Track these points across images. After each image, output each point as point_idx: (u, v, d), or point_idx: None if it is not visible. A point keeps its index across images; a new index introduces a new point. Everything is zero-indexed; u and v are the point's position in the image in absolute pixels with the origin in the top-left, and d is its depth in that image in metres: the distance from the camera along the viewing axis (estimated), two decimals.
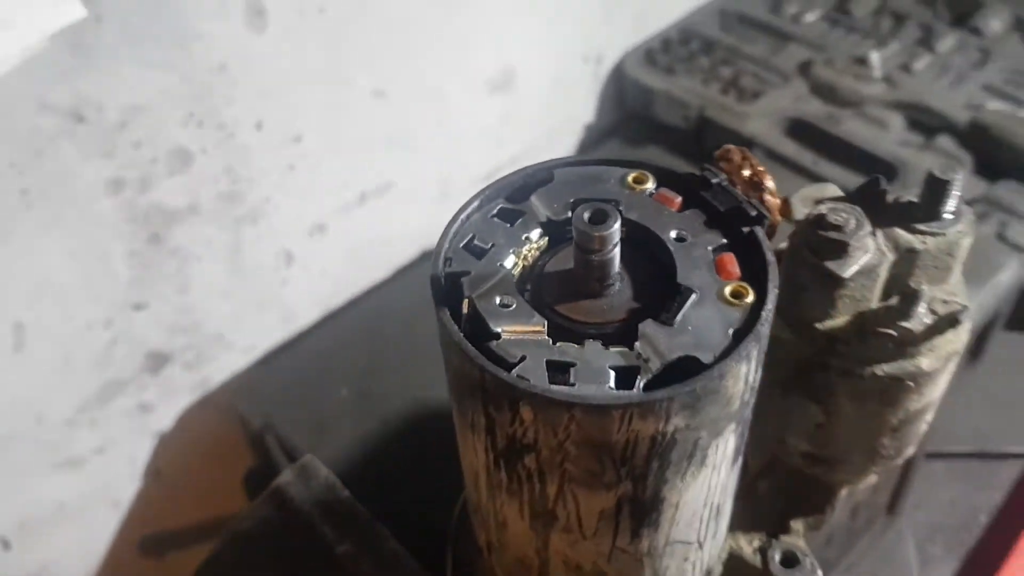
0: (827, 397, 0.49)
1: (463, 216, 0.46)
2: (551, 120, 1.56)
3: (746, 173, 0.45)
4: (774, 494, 0.56)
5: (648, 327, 0.40)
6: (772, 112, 1.47)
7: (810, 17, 1.64)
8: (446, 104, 1.38)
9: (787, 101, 1.49)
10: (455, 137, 1.42)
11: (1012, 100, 1.46)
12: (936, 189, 0.46)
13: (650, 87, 1.52)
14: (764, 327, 0.40)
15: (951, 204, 0.47)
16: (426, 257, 1.48)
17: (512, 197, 0.46)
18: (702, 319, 0.41)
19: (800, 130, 1.45)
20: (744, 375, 0.40)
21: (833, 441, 0.51)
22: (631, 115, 1.58)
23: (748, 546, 0.54)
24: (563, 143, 1.60)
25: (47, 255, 1.08)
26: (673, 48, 1.59)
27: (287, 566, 0.63)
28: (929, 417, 0.52)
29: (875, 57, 1.51)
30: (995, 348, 1.18)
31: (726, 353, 0.39)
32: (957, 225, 0.48)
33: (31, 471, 1.22)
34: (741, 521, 0.56)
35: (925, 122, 1.45)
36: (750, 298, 0.41)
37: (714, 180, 0.44)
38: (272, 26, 1.13)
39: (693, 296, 0.41)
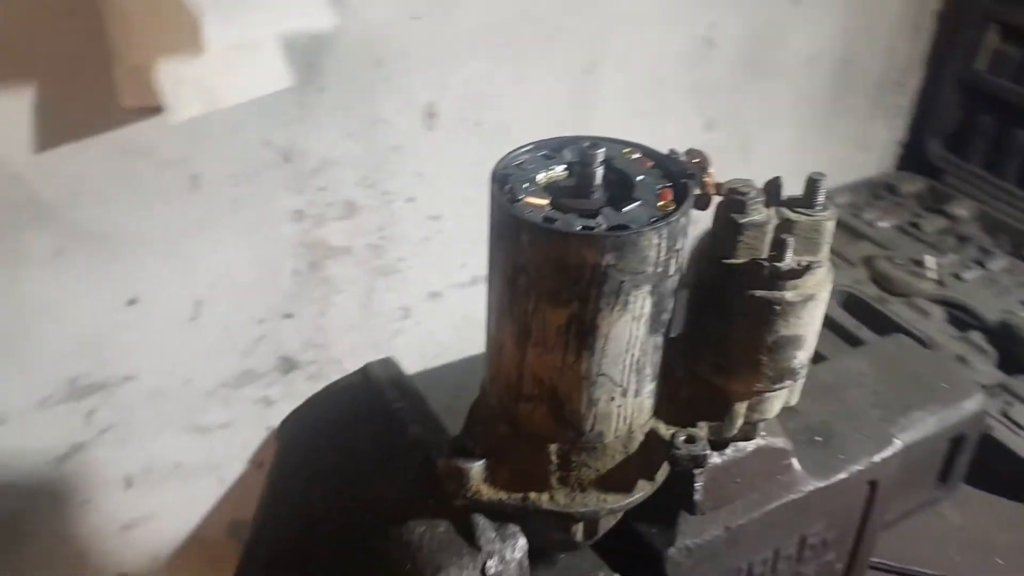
0: (727, 313, 0.73)
1: (519, 151, 0.76)
2: None
3: (695, 161, 0.74)
4: (691, 400, 0.79)
5: (606, 210, 0.68)
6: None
7: (883, 224, 1.91)
8: None
9: (847, 281, 1.74)
10: None
11: None
12: (812, 186, 0.73)
13: None
14: (677, 220, 0.67)
15: (821, 198, 0.74)
16: None
17: (553, 148, 0.76)
18: (639, 213, 0.68)
19: (853, 304, 1.69)
20: (655, 245, 0.66)
21: (730, 351, 0.75)
22: None
23: (665, 429, 0.78)
24: None
25: (235, 252, 1.43)
26: None
27: (355, 412, 0.89)
28: (800, 355, 0.75)
29: (930, 260, 1.76)
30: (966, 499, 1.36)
31: (642, 227, 0.67)
32: (824, 212, 0.74)
33: (167, 426, 1.51)
34: (665, 416, 0.80)
35: (963, 319, 1.67)
36: (671, 208, 0.69)
37: (671, 155, 0.73)
38: (439, 127, 1.50)
39: (638, 202, 0.69)
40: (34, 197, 1.22)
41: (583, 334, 0.69)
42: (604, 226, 0.67)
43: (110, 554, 1.57)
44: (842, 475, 1.03)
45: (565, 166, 0.75)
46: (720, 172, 1.87)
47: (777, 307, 0.71)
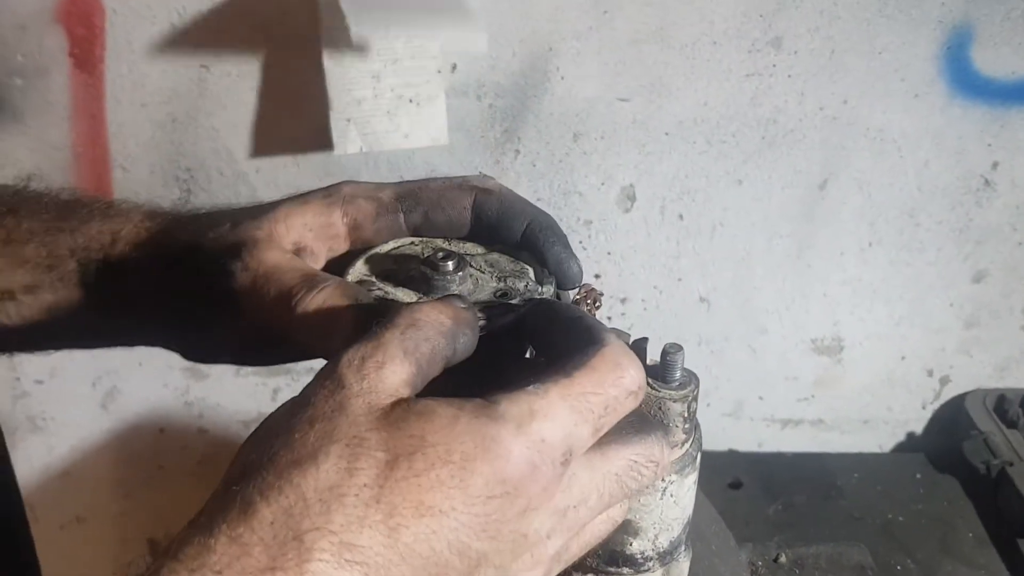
0: None
1: None
2: (872, 406, 1.64)
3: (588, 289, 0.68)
4: None
5: None
6: None
7: None
8: (764, 340, 1.57)
9: None
10: (765, 371, 1.59)
11: None
12: (665, 359, 0.63)
13: (976, 424, 1.52)
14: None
15: (677, 374, 0.63)
16: None
17: None
18: None
19: None
20: None
21: None
22: (946, 438, 1.58)
23: None
24: (876, 428, 1.65)
25: None
26: None
27: None
28: (636, 544, 0.63)
29: None
30: None
31: None
32: (677, 391, 0.62)
33: None
34: None
35: None
36: None
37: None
38: (636, 211, 1.46)
39: None
40: (253, 194, 1.43)
41: None
42: None
43: None
44: None
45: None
46: (996, 334, 1.58)
47: None
